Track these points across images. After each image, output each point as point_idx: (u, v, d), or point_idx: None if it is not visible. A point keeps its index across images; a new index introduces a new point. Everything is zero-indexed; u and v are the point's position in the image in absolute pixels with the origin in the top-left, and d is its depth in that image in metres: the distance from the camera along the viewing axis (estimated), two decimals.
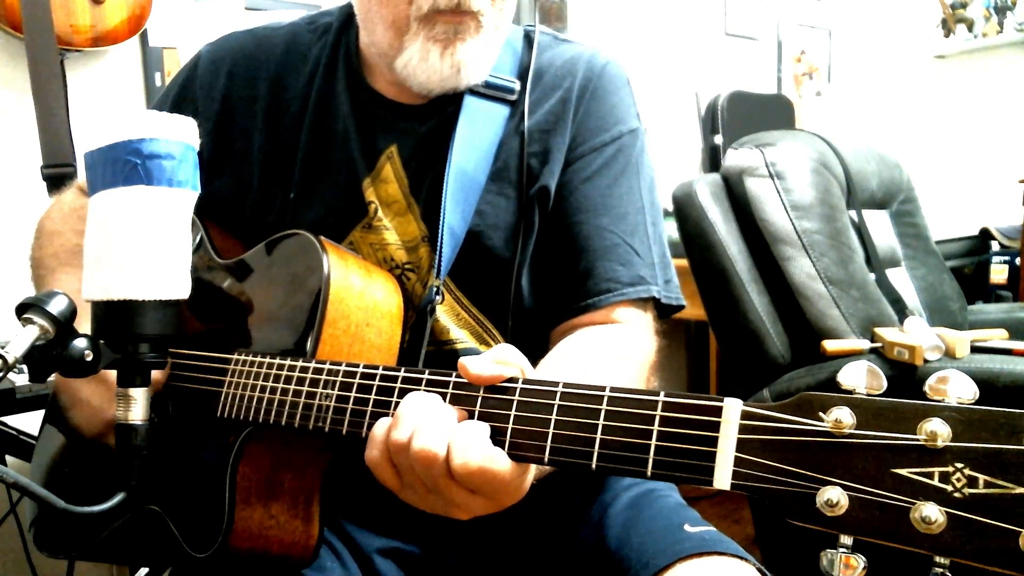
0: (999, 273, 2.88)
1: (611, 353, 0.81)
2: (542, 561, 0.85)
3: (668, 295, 0.89)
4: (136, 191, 0.67)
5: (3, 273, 1.74)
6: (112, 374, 0.74)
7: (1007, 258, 2.87)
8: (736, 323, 1.64)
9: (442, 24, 0.79)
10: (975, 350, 1.41)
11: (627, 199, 0.88)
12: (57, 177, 1.34)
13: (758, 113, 2.98)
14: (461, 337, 0.87)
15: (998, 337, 1.49)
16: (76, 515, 0.62)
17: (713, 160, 2.85)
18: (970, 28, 3.56)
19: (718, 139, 2.87)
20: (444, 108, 0.88)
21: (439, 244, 0.83)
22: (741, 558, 0.72)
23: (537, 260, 0.88)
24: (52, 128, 1.35)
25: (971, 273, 2.86)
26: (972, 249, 2.91)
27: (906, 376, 1.37)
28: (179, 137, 0.69)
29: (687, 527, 0.76)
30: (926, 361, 1.37)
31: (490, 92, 0.88)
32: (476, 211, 0.85)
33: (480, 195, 0.86)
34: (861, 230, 1.76)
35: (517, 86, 0.88)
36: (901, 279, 1.88)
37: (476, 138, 0.86)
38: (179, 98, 0.94)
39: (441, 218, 0.83)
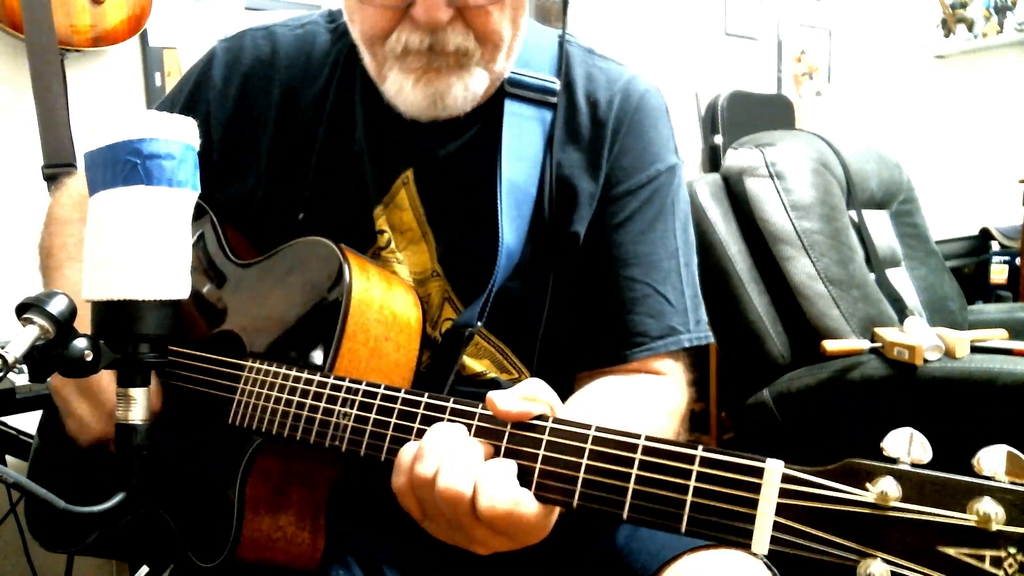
0: (999, 273, 2.88)
1: (639, 402, 0.79)
2: (551, 563, 0.84)
3: (698, 336, 0.86)
4: (136, 191, 0.67)
5: (3, 273, 1.74)
6: (104, 384, 0.74)
7: (1007, 258, 2.87)
8: (736, 323, 1.64)
9: (415, 56, 0.74)
10: (975, 350, 1.41)
11: (660, 244, 0.85)
12: (58, 177, 1.34)
13: (758, 113, 2.98)
14: (481, 368, 0.85)
15: (998, 337, 1.49)
16: (74, 516, 0.62)
17: (713, 160, 2.85)
18: (970, 28, 3.56)
19: (718, 139, 2.87)
20: (469, 127, 0.83)
21: (497, 263, 0.78)
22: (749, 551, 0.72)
23: (565, 300, 0.85)
24: (53, 128, 1.35)
25: (971, 273, 2.87)
26: (972, 249, 2.91)
27: (906, 376, 1.37)
28: (179, 137, 0.69)
29: None
30: (926, 361, 1.37)
31: (530, 95, 0.83)
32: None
33: (532, 206, 0.82)
34: (861, 230, 1.76)
35: (557, 85, 0.83)
36: (901, 279, 1.88)
37: (522, 147, 0.81)
38: (191, 98, 0.91)
39: (500, 235, 0.79)
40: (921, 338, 1.40)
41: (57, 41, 1.38)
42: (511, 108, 0.82)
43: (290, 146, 0.87)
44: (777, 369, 1.60)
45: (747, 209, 1.65)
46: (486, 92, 0.81)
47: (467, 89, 0.76)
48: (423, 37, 0.73)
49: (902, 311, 1.66)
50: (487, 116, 0.83)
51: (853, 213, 1.76)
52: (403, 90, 0.76)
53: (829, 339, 1.51)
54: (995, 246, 2.93)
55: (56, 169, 1.34)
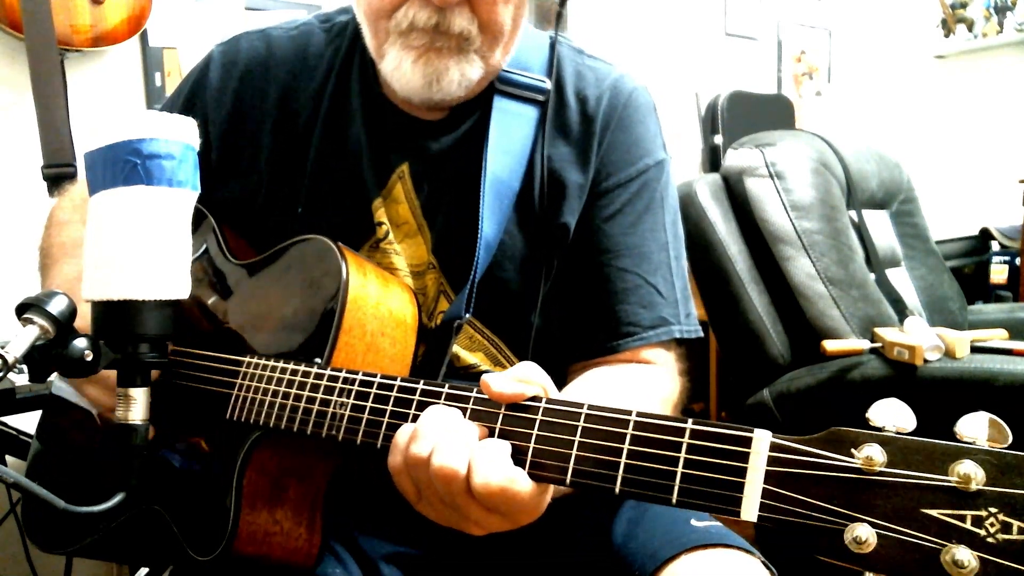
0: (999, 273, 2.88)
1: (632, 390, 0.80)
2: (548, 562, 0.84)
3: (687, 329, 0.88)
4: (136, 191, 0.67)
5: (3, 273, 1.74)
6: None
7: (1007, 258, 2.87)
8: (736, 323, 1.64)
9: (419, 33, 0.76)
10: (975, 350, 1.41)
11: (650, 236, 0.86)
12: (58, 177, 1.34)
13: (758, 113, 2.98)
14: (474, 360, 0.86)
15: (998, 337, 1.49)
16: (73, 516, 0.62)
17: (713, 160, 2.85)
18: (970, 28, 3.56)
19: (718, 139, 2.87)
20: (461, 123, 0.85)
21: (476, 254, 0.80)
22: (747, 551, 0.72)
23: (557, 293, 0.87)
24: (52, 128, 1.35)
25: (971, 273, 2.87)
26: (972, 249, 2.91)
27: (906, 376, 1.37)
28: (179, 137, 0.69)
29: (693, 521, 0.76)
30: (926, 361, 1.37)
31: (519, 92, 0.85)
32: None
33: (513, 203, 0.83)
34: (861, 230, 1.76)
35: (547, 84, 0.85)
36: (901, 279, 1.88)
37: (509, 143, 0.83)
38: (189, 101, 0.92)
39: (480, 226, 0.80)
40: (921, 338, 1.40)
41: (57, 41, 1.38)
42: (500, 105, 0.84)
43: (289, 144, 0.88)
44: (777, 369, 1.60)
45: (747, 209, 1.65)
46: (479, 83, 0.82)
47: (463, 75, 0.78)
48: (431, 15, 0.75)
49: (902, 311, 1.66)
50: (479, 112, 0.85)
51: (853, 213, 1.76)
52: (401, 67, 0.77)
53: (829, 339, 1.51)
54: (995, 246, 2.93)
55: (56, 169, 1.34)
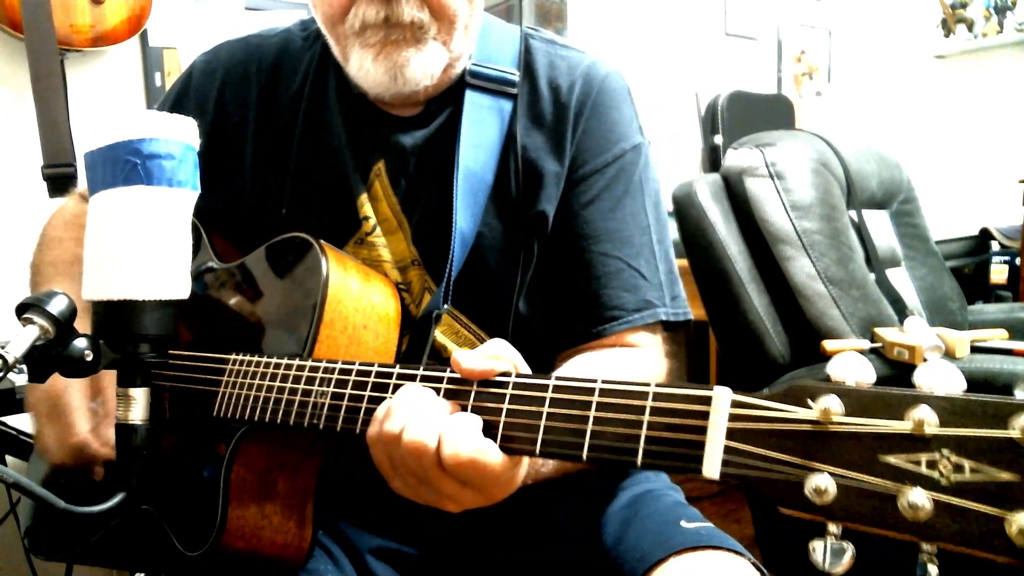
0: (999, 273, 2.88)
1: (618, 373, 0.80)
2: (539, 561, 0.84)
3: (675, 311, 0.88)
4: (136, 191, 0.67)
5: (3, 273, 1.74)
6: (71, 418, 0.77)
7: (1007, 258, 2.87)
8: (736, 323, 1.64)
9: (373, 29, 0.77)
10: (975, 350, 1.41)
11: (631, 220, 0.86)
12: (58, 177, 1.34)
13: (758, 113, 2.98)
14: None
15: (998, 337, 1.49)
16: (73, 516, 0.62)
17: (713, 160, 2.85)
18: (970, 28, 3.56)
19: (718, 139, 2.87)
20: (434, 117, 0.86)
21: (451, 247, 0.81)
22: (737, 552, 0.73)
23: (539, 282, 0.87)
24: (52, 128, 1.35)
25: (971, 273, 2.86)
26: (972, 249, 2.91)
27: (906, 376, 1.37)
28: (179, 137, 0.69)
29: (684, 523, 0.76)
30: (926, 361, 1.37)
31: (491, 86, 0.85)
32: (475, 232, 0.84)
33: (488, 195, 0.84)
34: (861, 230, 1.76)
35: (517, 77, 0.86)
36: (901, 279, 1.88)
37: (481, 136, 0.84)
38: (173, 111, 0.92)
39: (453, 220, 0.81)
40: (921, 338, 1.40)
41: (57, 41, 1.38)
42: (471, 98, 0.85)
43: (271, 147, 0.89)
44: (777, 369, 1.60)
45: (747, 209, 1.65)
46: (446, 72, 0.83)
47: (425, 64, 0.79)
48: (379, 9, 0.76)
49: (902, 311, 1.66)
50: (451, 107, 0.86)
51: (853, 213, 1.76)
52: (364, 66, 0.79)
53: (829, 339, 1.51)
54: (995, 246, 2.93)
55: (56, 169, 1.34)
